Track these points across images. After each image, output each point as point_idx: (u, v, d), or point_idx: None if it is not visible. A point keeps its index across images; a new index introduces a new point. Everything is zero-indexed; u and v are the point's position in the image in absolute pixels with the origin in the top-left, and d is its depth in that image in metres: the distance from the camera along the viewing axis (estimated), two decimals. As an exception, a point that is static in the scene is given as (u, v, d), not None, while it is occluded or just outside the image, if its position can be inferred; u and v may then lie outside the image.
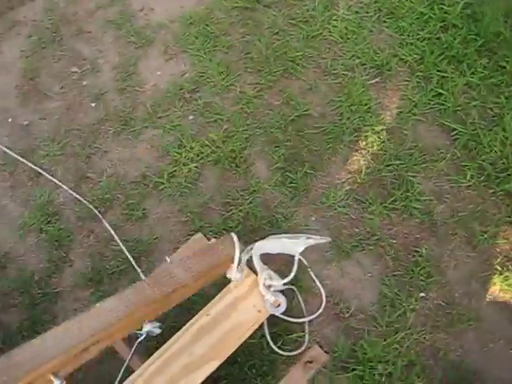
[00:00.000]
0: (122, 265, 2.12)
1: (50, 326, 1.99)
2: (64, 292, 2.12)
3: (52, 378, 0.91)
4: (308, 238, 1.72)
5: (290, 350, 1.98)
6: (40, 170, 2.29)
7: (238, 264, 1.53)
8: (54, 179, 2.27)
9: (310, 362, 1.72)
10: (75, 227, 2.22)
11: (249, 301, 1.71)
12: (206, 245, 1.43)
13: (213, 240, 1.82)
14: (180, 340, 1.58)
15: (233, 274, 1.50)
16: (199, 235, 1.76)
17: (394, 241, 2.16)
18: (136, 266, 1.77)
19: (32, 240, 2.22)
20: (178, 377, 1.61)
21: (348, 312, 2.06)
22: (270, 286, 1.69)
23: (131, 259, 1.81)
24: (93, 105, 2.47)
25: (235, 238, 1.42)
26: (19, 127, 2.45)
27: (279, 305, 1.71)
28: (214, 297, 1.67)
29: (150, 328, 1.37)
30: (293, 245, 1.73)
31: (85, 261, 2.16)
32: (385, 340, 2.01)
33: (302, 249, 1.74)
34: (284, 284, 1.69)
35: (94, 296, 2.09)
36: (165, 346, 1.57)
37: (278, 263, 1.92)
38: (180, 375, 1.61)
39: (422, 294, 2.09)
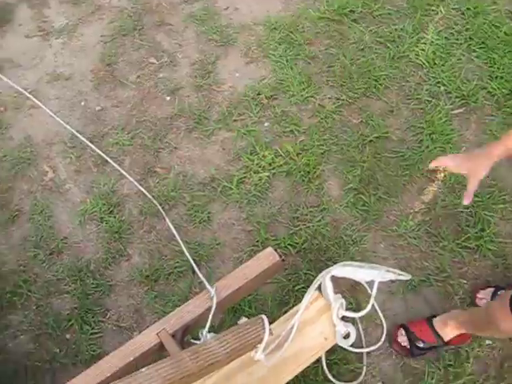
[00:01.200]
0: (181, 267, 2.05)
1: (100, 318, 1.96)
2: (118, 286, 2.06)
3: None
4: (388, 271, 1.62)
5: (346, 381, 1.89)
6: (107, 158, 2.24)
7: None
8: (120, 169, 2.21)
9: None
10: (136, 221, 2.16)
11: (316, 326, 1.63)
12: (241, 324, 1.40)
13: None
14: (241, 357, 1.50)
15: (257, 354, 1.44)
16: (270, 250, 1.67)
17: (464, 281, 2.05)
18: (197, 270, 1.69)
19: (91, 228, 2.17)
20: (235, 395, 1.54)
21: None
22: (342, 317, 1.60)
23: (192, 262, 1.73)
24: (167, 98, 2.41)
25: (266, 322, 1.38)
26: (91, 112, 2.41)
27: (348, 336, 1.62)
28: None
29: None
30: (369, 276, 1.63)
31: (143, 257, 2.09)
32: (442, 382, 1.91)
33: (378, 280, 1.64)
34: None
35: (148, 295, 2.03)
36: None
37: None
38: (237, 394, 1.54)
39: (488, 342, 1.97)
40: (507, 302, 1.45)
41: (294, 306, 1.86)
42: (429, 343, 1.88)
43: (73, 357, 1.95)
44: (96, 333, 1.98)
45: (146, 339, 1.57)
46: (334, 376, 1.90)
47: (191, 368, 1.18)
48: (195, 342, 1.55)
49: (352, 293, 2.03)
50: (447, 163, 1.50)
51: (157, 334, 1.57)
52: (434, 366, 1.93)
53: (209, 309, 1.61)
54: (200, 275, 1.66)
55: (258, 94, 2.38)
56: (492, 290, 1.99)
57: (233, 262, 2.05)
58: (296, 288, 2.00)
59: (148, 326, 1.48)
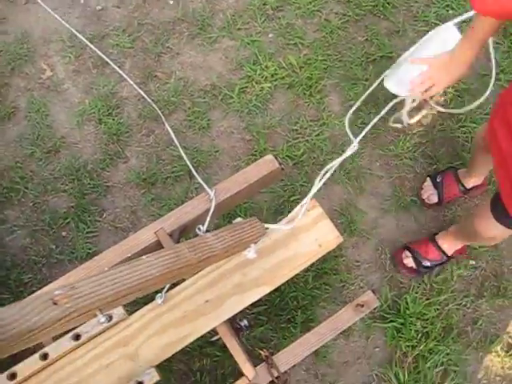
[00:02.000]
0: (179, 171, 2.06)
1: (96, 218, 1.98)
2: (115, 187, 2.07)
3: (98, 313, 0.91)
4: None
5: (334, 290, 1.96)
6: (107, 59, 2.19)
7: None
8: (120, 71, 2.18)
9: (362, 305, 1.68)
10: (135, 124, 2.15)
11: (311, 233, 1.67)
12: (237, 222, 1.42)
13: (238, 219, 1.75)
14: (236, 258, 1.54)
15: (250, 253, 1.47)
16: (270, 157, 1.68)
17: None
18: (196, 174, 1.70)
19: (89, 129, 2.15)
20: (228, 293, 1.58)
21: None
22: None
23: (190, 166, 1.74)
24: (171, 2, 2.34)
25: (263, 226, 1.42)
26: (91, 11, 2.34)
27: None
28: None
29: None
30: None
31: (140, 160, 2.10)
32: (427, 299, 1.99)
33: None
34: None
35: (145, 197, 2.04)
36: (221, 263, 1.53)
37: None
38: (231, 292, 1.59)
39: (472, 262, 2.04)
40: (489, 212, 1.49)
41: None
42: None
43: (69, 253, 1.98)
44: (92, 232, 2.01)
45: (143, 237, 1.60)
46: (322, 284, 1.96)
47: (190, 259, 1.20)
48: (193, 240, 1.57)
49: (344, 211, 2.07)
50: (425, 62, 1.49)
51: (155, 232, 1.59)
52: (419, 281, 1.99)
53: (207, 211, 1.63)
54: (198, 178, 1.68)
55: (264, 4, 2.32)
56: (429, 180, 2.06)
57: (230, 169, 2.06)
58: (291, 199, 2.03)
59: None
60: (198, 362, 1.87)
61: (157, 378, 1.43)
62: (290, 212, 1.84)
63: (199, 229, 1.48)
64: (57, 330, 0.82)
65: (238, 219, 1.65)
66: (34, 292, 1.89)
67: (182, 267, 1.17)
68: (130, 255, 1.58)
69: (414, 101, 1.72)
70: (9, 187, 2.05)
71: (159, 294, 1.45)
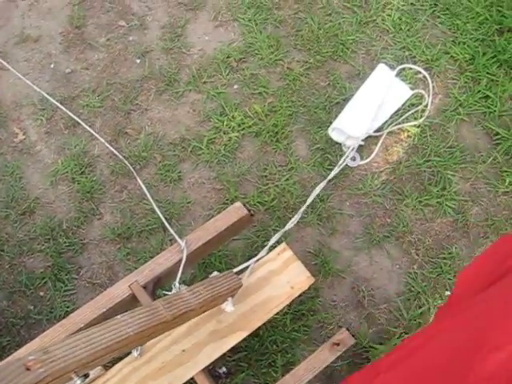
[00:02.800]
0: (153, 224, 2.10)
1: (73, 275, 2.00)
2: (91, 244, 2.10)
3: (73, 376, 0.93)
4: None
5: (312, 331, 1.97)
6: (78, 120, 2.26)
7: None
8: (91, 130, 2.24)
9: (337, 344, 1.70)
10: (108, 181, 2.19)
11: (283, 276, 1.70)
12: (213, 277, 1.48)
13: (214, 273, 1.79)
14: (210, 307, 1.57)
15: (228, 306, 1.54)
16: (239, 204, 1.73)
17: (426, 237, 2.14)
18: (168, 226, 1.74)
19: (63, 189, 2.19)
20: (205, 341, 1.60)
21: (372, 301, 2.04)
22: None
23: (163, 219, 1.79)
24: (137, 61, 2.42)
25: (239, 279, 1.48)
26: (61, 74, 2.41)
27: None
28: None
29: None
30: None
31: (115, 216, 2.13)
32: (406, 333, 2.00)
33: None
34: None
35: (120, 252, 2.07)
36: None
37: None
38: (207, 340, 1.61)
39: (448, 293, 2.07)
40: None
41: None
42: None
43: (47, 313, 1.99)
44: (69, 290, 2.03)
45: (118, 291, 1.62)
46: (301, 326, 1.98)
47: (165, 316, 1.22)
48: (167, 293, 1.60)
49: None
50: None
51: (129, 285, 1.62)
52: (397, 315, 2.02)
53: (179, 261, 1.66)
54: (170, 230, 1.72)
55: (228, 57, 2.40)
56: None
57: (203, 219, 2.10)
58: (265, 244, 2.05)
59: (120, 281, 1.52)
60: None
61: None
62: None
63: (174, 285, 1.50)
64: None
65: (215, 273, 1.69)
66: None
67: (158, 324, 1.19)
68: (105, 310, 1.60)
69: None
70: (-17, 259, 2.07)
71: (135, 347, 1.47)
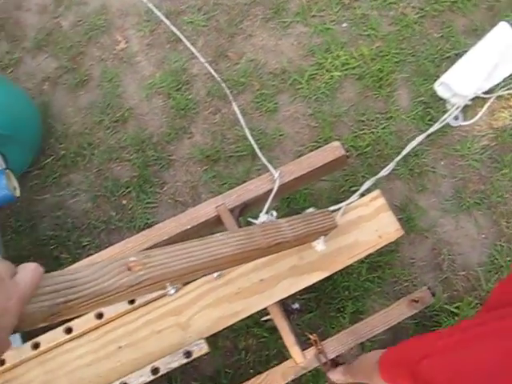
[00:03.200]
0: (242, 151, 2.08)
1: (157, 189, 2.01)
2: (178, 162, 2.10)
3: (168, 285, 0.91)
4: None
5: (386, 285, 1.94)
6: (181, 36, 2.22)
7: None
8: (192, 48, 2.20)
9: (416, 301, 1.65)
10: (203, 102, 2.17)
11: (373, 224, 1.65)
12: (310, 213, 1.41)
13: (310, 209, 1.74)
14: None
15: (319, 245, 1.47)
16: (337, 144, 1.67)
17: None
18: (260, 154, 1.71)
19: (158, 103, 2.19)
20: (284, 274, 1.59)
21: (452, 265, 1.98)
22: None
23: (256, 148, 1.74)
24: (249, -16, 2.35)
25: (334, 220, 1.42)
26: (169, -13, 2.37)
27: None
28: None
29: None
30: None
31: (205, 137, 2.12)
32: (480, 304, 1.94)
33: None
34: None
35: (206, 174, 2.06)
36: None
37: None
38: (286, 274, 1.59)
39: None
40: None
41: (348, 205, 1.88)
42: None
43: (127, 222, 2.02)
44: (152, 203, 2.04)
45: (204, 210, 1.61)
46: (376, 278, 1.94)
47: (261, 243, 1.19)
48: (252, 221, 1.59)
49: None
50: None
51: (216, 207, 1.60)
52: (475, 285, 1.95)
53: (269, 191, 1.63)
54: (263, 159, 1.68)
55: (341, -8, 2.30)
56: None
57: (293, 154, 2.06)
58: (352, 189, 2.01)
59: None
60: (244, 341, 1.88)
61: (206, 349, 1.44)
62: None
63: (272, 214, 1.48)
64: (127, 297, 0.82)
65: (311, 209, 1.65)
66: (91, 255, 1.94)
67: (252, 250, 1.17)
68: (189, 227, 1.60)
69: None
70: (76, 152, 2.10)
71: (216, 268, 1.46)
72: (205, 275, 1.03)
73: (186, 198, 2.03)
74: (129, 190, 2.04)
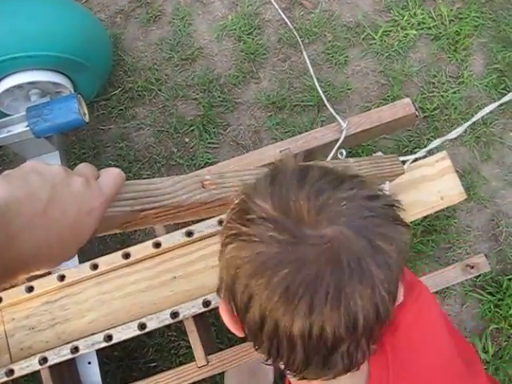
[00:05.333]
0: (308, 101, 2.06)
1: (220, 130, 2.02)
2: (243, 105, 2.10)
3: None
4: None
5: (439, 250, 1.93)
6: (257, -21, 2.19)
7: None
8: (267, -7, 2.17)
9: (472, 267, 1.64)
10: (273, 48, 2.15)
11: (436, 184, 1.63)
12: (378, 156, 1.38)
13: (378, 153, 1.71)
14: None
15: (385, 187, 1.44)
16: (408, 100, 1.64)
17: None
18: (329, 106, 1.68)
19: (227, 45, 2.18)
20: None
21: (509, 238, 1.95)
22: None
23: (324, 98, 1.72)
24: None
25: (402, 166, 1.38)
26: None
27: None
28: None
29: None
30: None
31: (272, 83, 2.11)
32: (533, 280, 1.92)
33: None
34: None
35: (270, 120, 2.06)
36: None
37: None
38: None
39: None
40: None
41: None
42: None
43: (188, 159, 2.04)
44: (214, 143, 2.06)
45: (269, 153, 1.61)
46: (430, 241, 1.93)
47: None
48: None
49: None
50: None
51: (280, 150, 1.60)
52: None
53: (335, 140, 1.62)
54: (331, 109, 1.66)
55: (424, -51, 2.23)
56: None
57: (359, 109, 2.04)
58: (415, 150, 1.98)
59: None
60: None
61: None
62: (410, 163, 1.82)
63: (341, 153, 1.47)
64: (198, 213, 0.84)
65: (379, 153, 1.64)
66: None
67: None
68: (251, 168, 1.60)
69: None
70: (143, 86, 2.12)
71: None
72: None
73: (247, 142, 2.04)
74: (192, 128, 2.06)
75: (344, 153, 1.47)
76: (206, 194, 0.81)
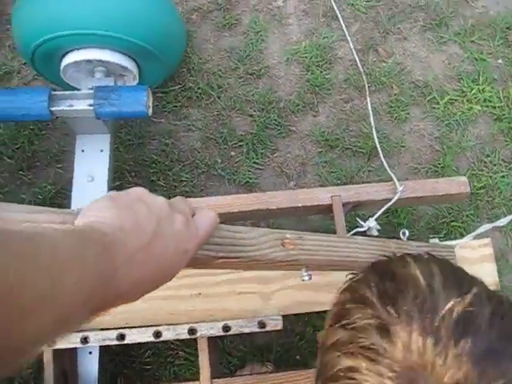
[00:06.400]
0: (361, 148, 2.07)
1: (267, 153, 2.02)
2: (296, 134, 2.10)
3: (304, 270, 0.90)
4: None
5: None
6: (339, 14, 2.21)
7: None
8: (345, 30, 2.18)
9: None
10: (338, 86, 2.16)
11: (473, 269, 1.60)
12: (435, 244, 1.40)
13: (435, 240, 1.70)
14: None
15: None
16: (465, 179, 1.63)
17: None
18: (384, 162, 1.69)
19: (295, 71, 2.18)
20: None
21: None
22: None
23: (380, 151, 1.72)
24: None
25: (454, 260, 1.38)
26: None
27: None
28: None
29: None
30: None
31: (330, 120, 2.12)
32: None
33: None
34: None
35: (319, 156, 2.07)
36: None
37: None
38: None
39: None
40: None
41: (444, 238, 1.88)
42: None
43: (230, 173, 2.04)
44: (258, 164, 2.06)
45: (319, 195, 1.61)
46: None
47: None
48: (360, 222, 1.59)
49: None
50: None
51: (331, 196, 1.60)
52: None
53: (386, 200, 1.63)
54: (387, 167, 1.67)
55: (508, 28, 2.24)
56: None
57: (408, 169, 2.05)
58: (452, 223, 2.00)
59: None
60: (302, 327, 1.90)
61: (280, 326, 1.46)
62: (444, 236, 1.83)
63: (403, 233, 1.46)
64: (270, 268, 0.84)
65: (436, 240, 1.64)
66: (185, 192, 1.98)
67: None
68: (300, 205, 1.60)
69: None
70: (203, 89, 2.12)
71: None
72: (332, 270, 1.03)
73: (292, 172, 2.04)
74: (241, 143, 2.06)
75: (407, 233, 1.46)
76: (284, 253, 0.81)
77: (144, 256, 0.50)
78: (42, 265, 0.38)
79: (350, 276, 0.84)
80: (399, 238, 1.41)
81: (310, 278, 0.97)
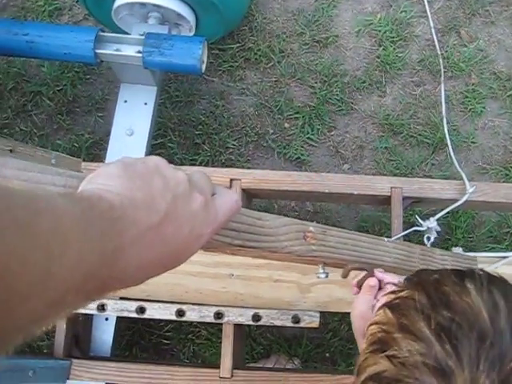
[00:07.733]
0: (426, 138, 1.89)
1: (324, 130, 1.85)
2: (358, 113, 1.94)
3: (321, 268, 0.87)
4: None
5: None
6: None
7: None
8: (427, 6, 1.96)
9: None
10: (411, 67, 1.98)
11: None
12: (459, 254, 1.33)
13: (459, 249, 1.55)
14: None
15: None
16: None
17: None
18: (453, 156, 1.51)
19: (365, 44, 2.00)
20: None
21: None
22: None
23: (449, 144, 1.55)
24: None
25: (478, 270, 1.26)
26: None
27: None
28: None
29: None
30: None
31: (396, 104, 1.94)
32: None
33: None
34: None
35: (380, 141, 1.90)
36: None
37: None
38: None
39: None
40: None
41: (504, 249, 1.71)
42: None
43: (281, 146, 1.89)
44: (313, 140, 1.90)
45: (379, 184, 1.48)
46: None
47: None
48: (419, 220, 1.46)
49: None
50: None
51: (391, 187, 1.46)
52: None
53: (452, 200, 1.47)
54: (457, 165, 1.50)
55: None
56: None
57: (475, 168, 1.87)
58: (503, 231, 1.81)
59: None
60: (335, 324, 1.76)
61: (316, 324, 1.35)
62: (508, 245, 1.66)
63: (428, 238, 1.33)
64: (287, 260, 0.80)
65: (459, 249, 1.50)
66: (229, 160, 1.83)
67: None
68: (355, 193, 1.47)
69: None
70: (264, 52, 1.96)
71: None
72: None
73: (347, 154, 1.87)
74: (297, 116, 1.89)
75: (432, 239, 1.32)
76: (304, 247, 0.76)
77: (154, 237, 0.43)
78: (41, 239, 0.32)
79: (390, 288, 0.82)
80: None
81: (327, 277, 0.90)
